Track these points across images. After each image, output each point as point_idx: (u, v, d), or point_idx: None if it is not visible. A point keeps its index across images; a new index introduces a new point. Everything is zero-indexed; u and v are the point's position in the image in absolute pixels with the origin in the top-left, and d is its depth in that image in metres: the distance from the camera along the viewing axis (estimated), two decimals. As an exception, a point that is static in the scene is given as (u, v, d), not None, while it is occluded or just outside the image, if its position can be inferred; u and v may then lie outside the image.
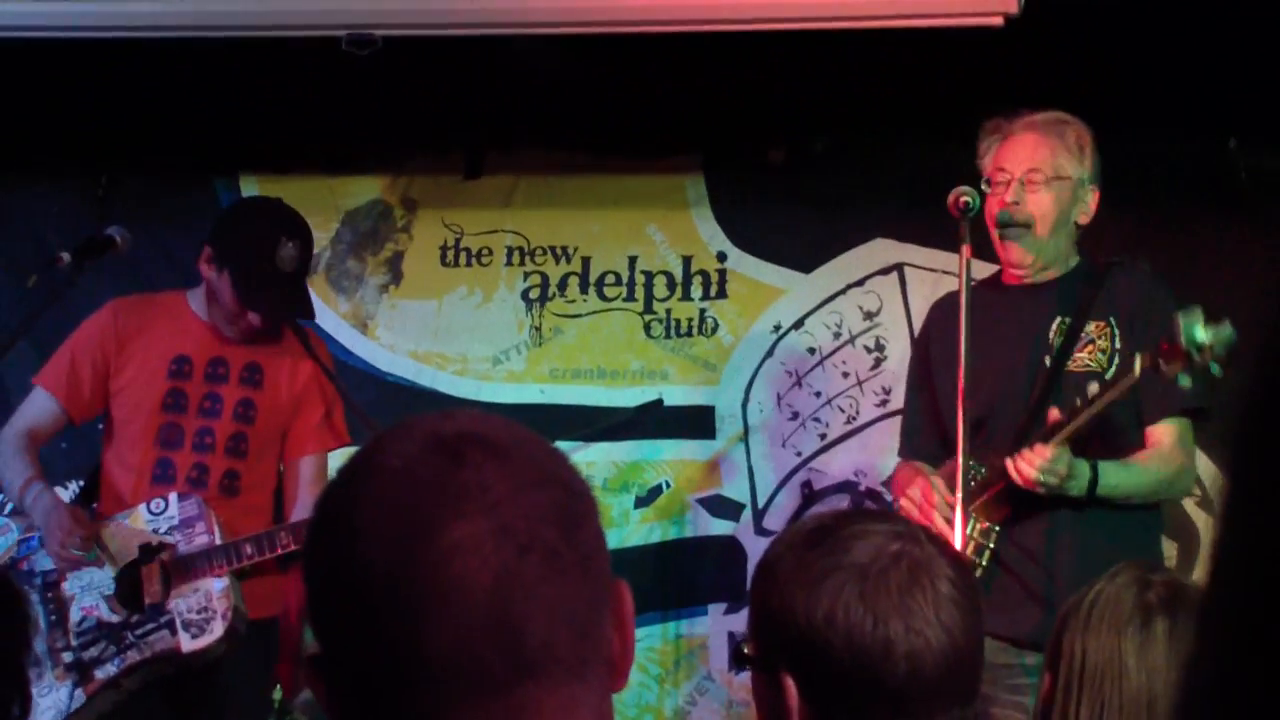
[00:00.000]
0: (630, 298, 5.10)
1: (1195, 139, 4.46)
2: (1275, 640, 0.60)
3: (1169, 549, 4.11)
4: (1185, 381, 2.80)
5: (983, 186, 3.23)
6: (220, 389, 3.90)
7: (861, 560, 1.56)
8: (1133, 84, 4.27)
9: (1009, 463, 3.00)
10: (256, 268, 3.81)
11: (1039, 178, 3.28)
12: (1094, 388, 3.02)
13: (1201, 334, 2.72)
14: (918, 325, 4.08)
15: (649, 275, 5.08)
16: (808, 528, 1.64)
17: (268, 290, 3.81)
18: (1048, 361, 3.14)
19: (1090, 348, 3.25)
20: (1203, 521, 4.33)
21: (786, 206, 4.95)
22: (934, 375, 3.43)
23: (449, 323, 5.09)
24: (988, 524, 3.22)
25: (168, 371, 3.90)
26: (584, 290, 5.10)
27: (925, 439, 3.47)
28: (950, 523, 3.09)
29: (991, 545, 3.23)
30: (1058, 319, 3.26)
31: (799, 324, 4.96)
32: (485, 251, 5.14)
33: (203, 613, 3.66)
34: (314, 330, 4.15)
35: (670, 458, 4.95)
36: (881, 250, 4.86)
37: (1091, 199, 3.34)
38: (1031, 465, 2.95)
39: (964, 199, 3.14)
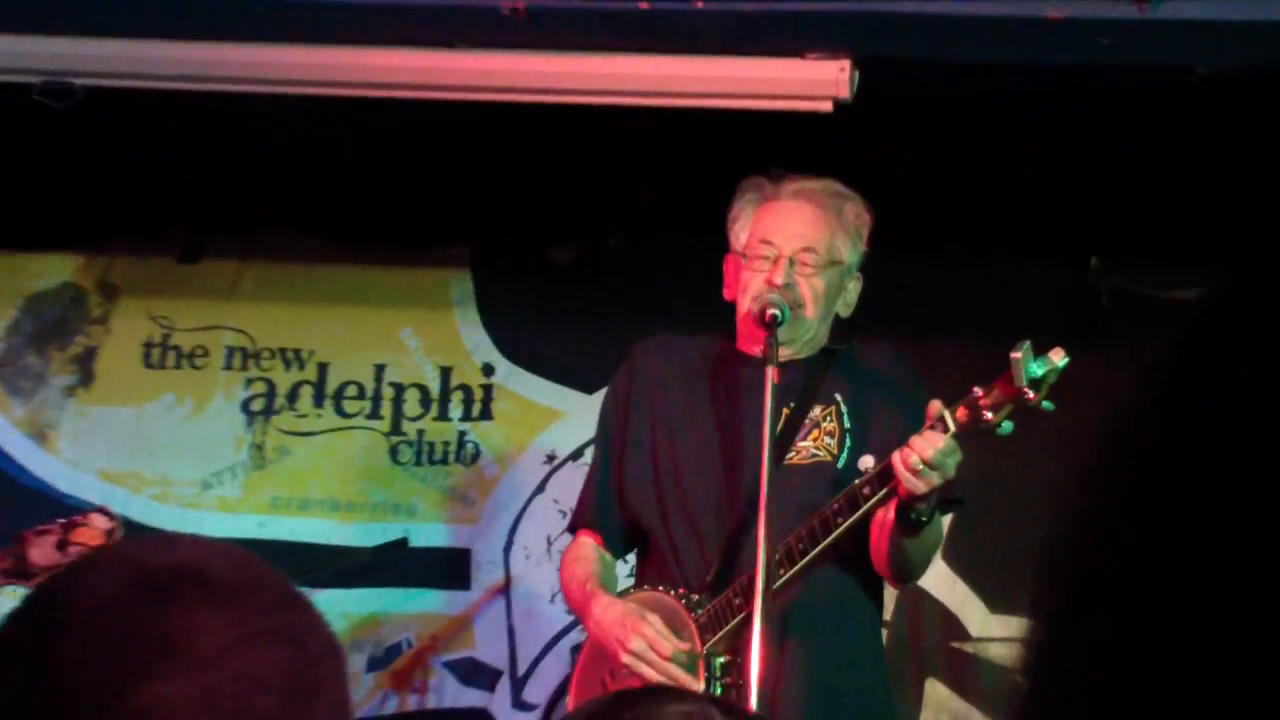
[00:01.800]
0: (375, 414, 5.03)
1: (1051, 256, 4.59)
2: None
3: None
4: (1007, 428, 2.85)
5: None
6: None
7: None
8: (980, 188, 4.42)
9: (897, 454, 2.93)
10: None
11: (813, 260, 3.25)
12: (868, 460, 3.01)
13: (1037, 367, 2.78)
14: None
15: (399, 388, 5.04)
16: (584, 713, 1.57)
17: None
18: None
19: (815, 434, 3.26)
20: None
21: (570, 314, 4.95)
22: (634, 439, 3.35)
23: (150, 436, 4.99)
24: (730, 657, 3.17)
25: None
26: (319, 403, 5.03)
27: (613, 510, 3.39)
28: (698, 672, 3.12)
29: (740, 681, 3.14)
30: (785, 409, 3.24)
31: (577, 454, 4.90)
32: (200, 351, 5.08)
33: None
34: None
35: (414, 611, 4.88)
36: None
37: (855, 290, 3.34)
38: (930, 448, 2.90)
39: (771, 311, 3.13)
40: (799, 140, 3.88)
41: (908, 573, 3.25)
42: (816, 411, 3.29)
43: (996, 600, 4.62)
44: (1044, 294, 4.64)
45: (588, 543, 3.41)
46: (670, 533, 3.23)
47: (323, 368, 5.07)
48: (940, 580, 4.60)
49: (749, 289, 3.25)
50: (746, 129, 4.01)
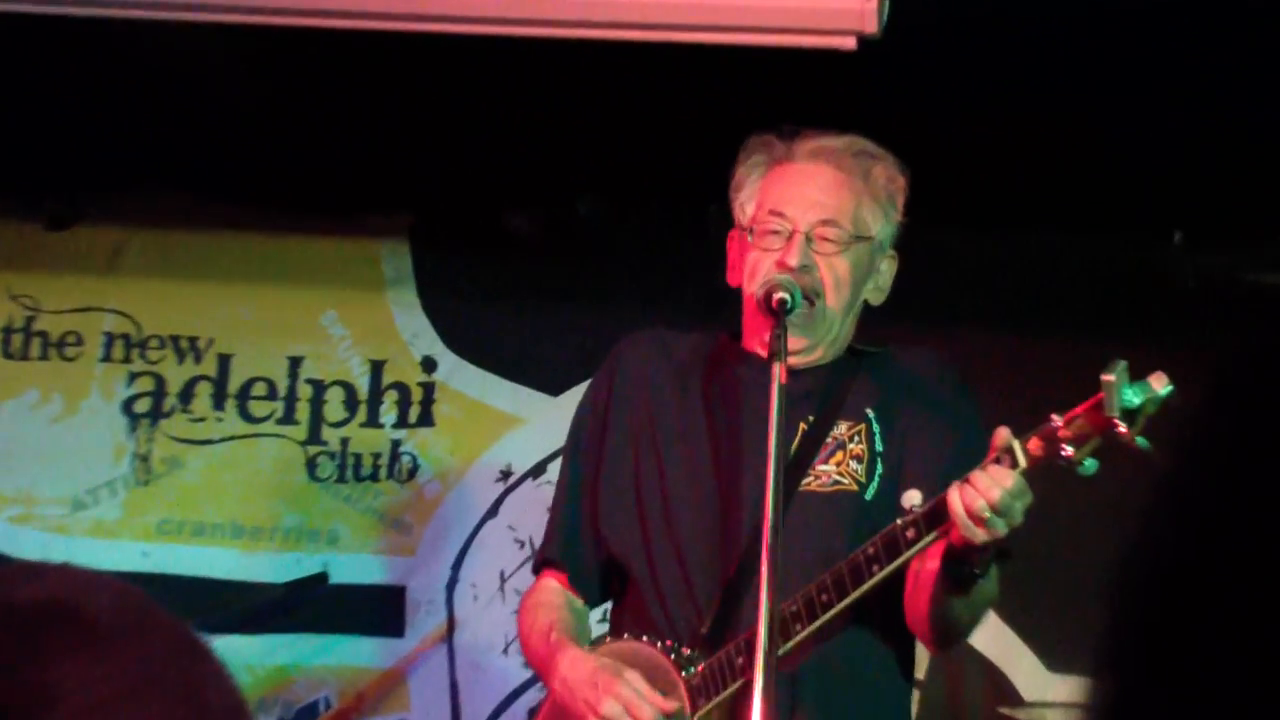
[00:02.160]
0: (288, 419, 4.93)
1: (1125, 231, 4.58)
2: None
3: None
4: (1090, 468, 2.80)
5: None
6: None
7: None
8: (1036, 146, 4.31)
9: (954, 491, 2.88)
10: None
11: (835, 236, 3.19)
12: (915, 496, 2.95)
13: (1134, 395, 2.73)
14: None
15: (318, 387, 4.94)
16: None
17: None
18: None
19: (839, 456, 3.24)
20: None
21: (531, 296, 4.91)
22: (613, 456, 3.33)
23: (9, 443, 4.92)
24: None
25: None
26: (219, 404, 4.94)
27: (585, 544, 3.35)
28: None
29: None
30: (802, 423, 3.23)
31: (539, 470, 4.82)
32: (71, 339, 4.99)
33: None
34: None
35: (335, 662, 4.79)
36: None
37: (889, 271, 3.31)
38: (996, 488, 2.82)
39: (779, 295, 3.06)
40: (817, 87, 3.86)
41: (951, 636, 3.23)
42: (841, 429, 3.25)
43: (1055, 656, 4.56)
44: (1116, 277, 4.65)
45: (553, 584, 3.35)
46: (655, 571, 3.18)
47: (224, 360, 4.95)
48: (986, 631, 4.42)
49: (756, 272, 3.20)
50: (753, 71, 4.01)
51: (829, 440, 3.24)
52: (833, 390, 3.27)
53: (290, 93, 4.55)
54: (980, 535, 2.85)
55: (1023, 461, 2.83)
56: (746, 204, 3.29)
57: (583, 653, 3.21)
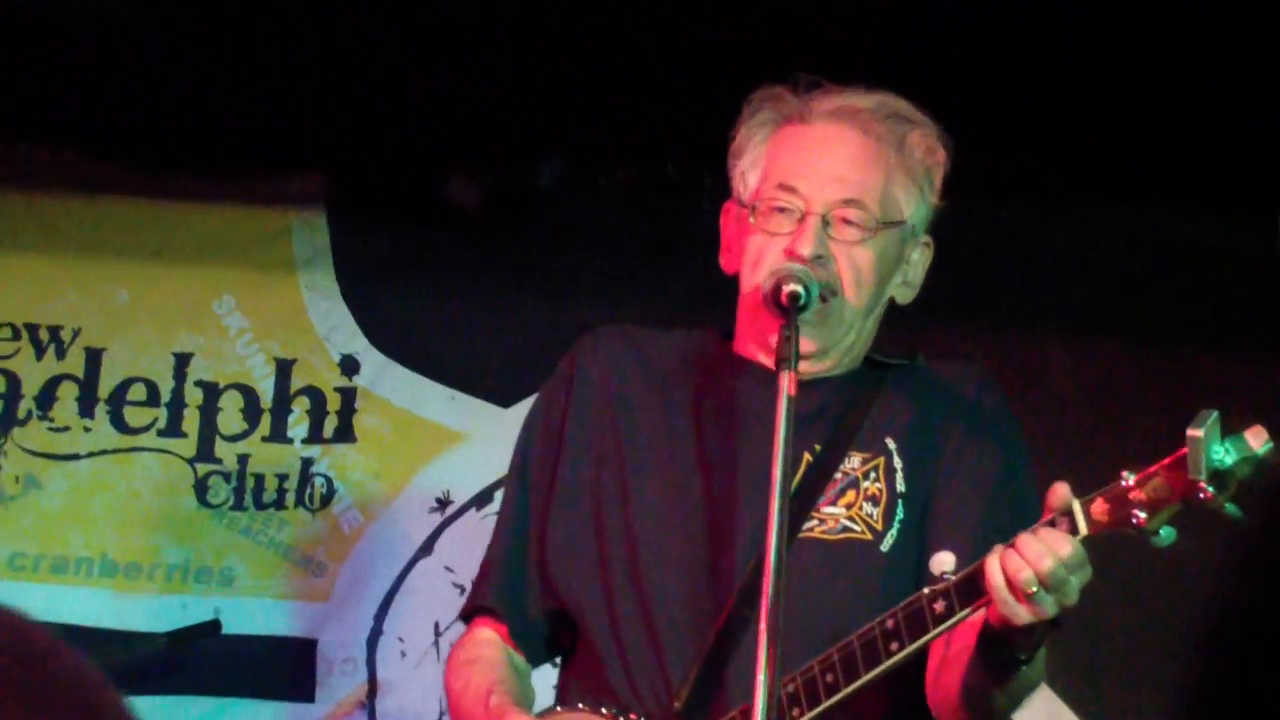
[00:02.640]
0: (174, 430, 4.72)
1: (1222, 215, 4.53)
2: None
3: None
4: (1167, 538, 2.64)
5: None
6: None
7: None
8: (1112, 112, 4.22)
9: (994, 558, 2.71)
10: None
11: (859, 220, 3.00)
12: (946, 560, 2.77)
13: (1224, 454, 2.58)
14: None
15: (211, 391, 4.73)
16: None
17: None
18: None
19: (850, 495, 3.06)
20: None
21: (477, 283, 4.72)
22: (568, 484, 3.12)
23: None
24: None
25: None
26: (86, 411, 4.71)
27: (529, 590, 3.14)
28: None
29: None
30: (806, 452, 3.06)
31: (483, 499, 4.65)
32: None
33: None
34: None
35: None
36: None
37: (921, 261, 3.14)
38: (1049, 556, 2.64)
39: (790, 288, 2.86)
40: (842, 25, 3.92)
41: None
42: (854, 461, 3.08)
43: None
44: (1211, 270, 4.60)
45: (489, 635, 3.14)
46: (617, 629, 2.99)
47: (93, 356, 4.71)
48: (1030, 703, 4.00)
49: (760, 260, 3.00)
50: (757, 7, 4.00)
51: (838, 475, 3.06)
52: (847, 412, 3.09)
53: (182, 31, 4.30)
54: (1024, 614, 2.64)
55: (1084, 528, 2.65)
56: (749, 173, 3.08)
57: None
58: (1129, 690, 4.39)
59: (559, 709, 3.05)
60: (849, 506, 3.05)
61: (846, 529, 3.03)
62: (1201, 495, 2.57)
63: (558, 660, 3.19)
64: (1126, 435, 3.77)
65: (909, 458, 3.09)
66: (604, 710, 2.95)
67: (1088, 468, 3.88)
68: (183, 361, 4.70)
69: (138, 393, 4.67)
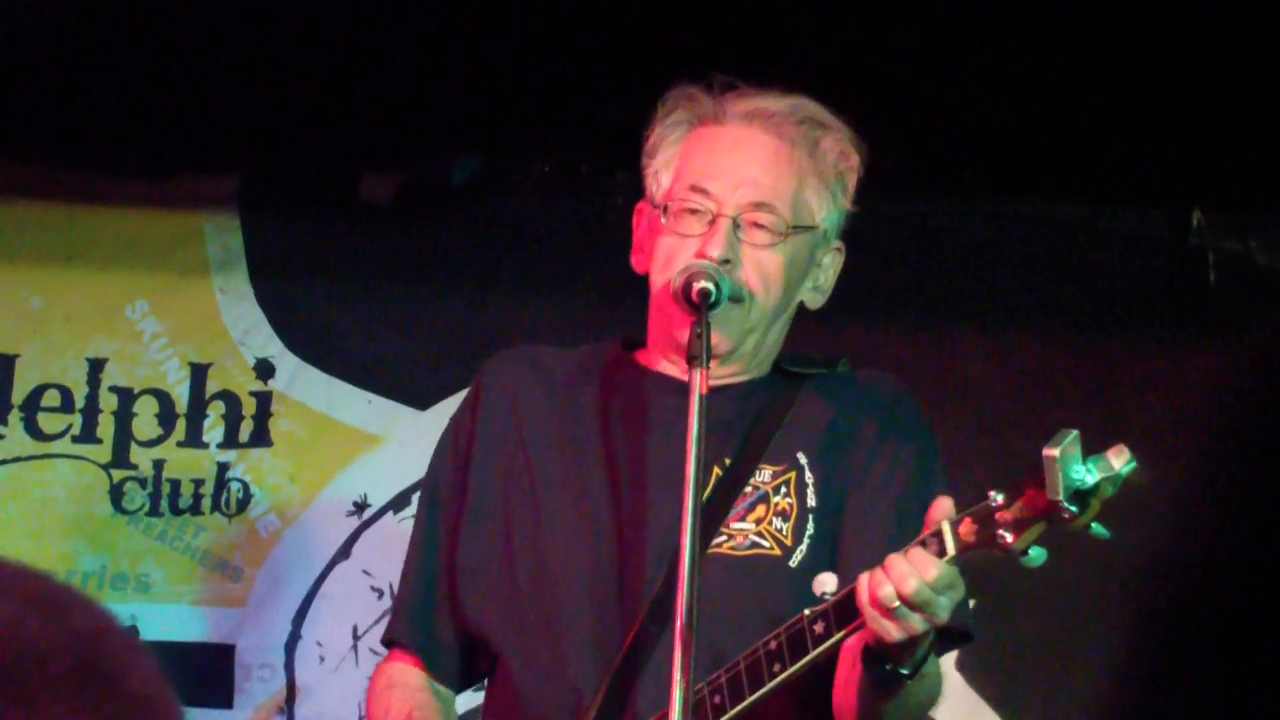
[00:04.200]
0: (87, 436, 4.75)
1: (1138, 208, 4.58)
2: None
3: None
4: (1037, 558, 2.67)
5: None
6: None
7: None
8: (1034, 104, 4.27)
9: (864, 578, 2.76)
10: None
11: (769, 224, 3.03)
12: (828, 580, 2.80)
13: (1084, 473, 2.60)
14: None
15: (125, 396, 4.75)
16: None
17: None
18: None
19: (760, 510, 3.08)
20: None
21: (393, 284, 4.75)
22: (476, 507, 3.13)
23: None
24: None
25: None
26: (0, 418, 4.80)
27: (440, 624, 3.16)
28: None
29: None
30: (716, 465, 3.07)
31: (401, 503, 4.67)
32: None
33: None
34: None
35: None
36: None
37: (832, 266, 3.16)
38: (912, 577, 2.69)
39: (701, 284, 2.90)
40: (760, 25, 3.95)
41: None
42: (764, 475, 3.10)
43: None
44: (1124, 261, 4.64)
45: (407, 669, 3.17)
46: (526, 647, 3.02)
47: (6, 362, 4.74)
48: (947, 701, 3.98)
49: (670, 261, 3.03)
50: (673, 4, 4.04)
51: (748, 489, 3.07)
52: (756, 424, 3.10)
53: (90, 28, 4.30)
54: (894, 632, 2.68)
55: (951, 549, 2.67)
56: (661, 173, 3.09)
57: None
58: (1047, 685, 4.38)
59: None
60: (758, 522, 3.08)
61: (755, 545, 3.06)
62: (1065, 515, 2.59)
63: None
64: (1042, 426, 3.71)
65: (820, 471, 3.10)
66: None
67: (1004, 460, 3.92)
68: (97, 367, 4.73)
69: (51, 399, 4.72)
